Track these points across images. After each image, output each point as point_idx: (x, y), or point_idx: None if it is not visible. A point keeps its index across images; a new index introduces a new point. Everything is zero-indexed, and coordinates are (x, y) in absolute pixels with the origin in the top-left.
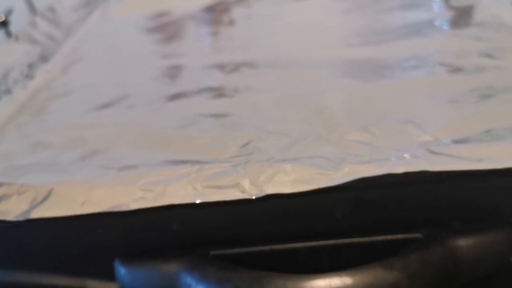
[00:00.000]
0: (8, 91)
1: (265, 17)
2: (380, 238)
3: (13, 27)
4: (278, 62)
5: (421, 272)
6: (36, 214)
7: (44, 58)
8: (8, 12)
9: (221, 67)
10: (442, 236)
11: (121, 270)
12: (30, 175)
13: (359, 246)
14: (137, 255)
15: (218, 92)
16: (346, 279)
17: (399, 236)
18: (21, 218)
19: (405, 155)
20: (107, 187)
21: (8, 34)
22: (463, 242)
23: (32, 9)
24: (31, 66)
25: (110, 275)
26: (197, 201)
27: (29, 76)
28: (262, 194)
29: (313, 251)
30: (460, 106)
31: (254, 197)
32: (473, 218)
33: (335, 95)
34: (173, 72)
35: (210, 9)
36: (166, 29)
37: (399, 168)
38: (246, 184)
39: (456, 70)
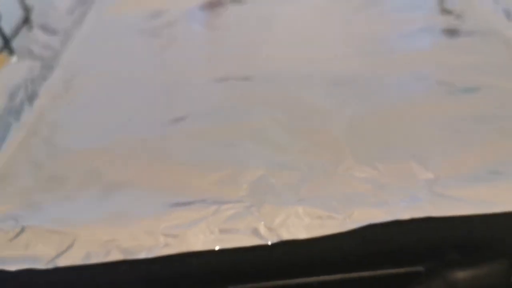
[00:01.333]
0: (16, 114)
1: (260, 18)
2: (384, 272)
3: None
4: (277, 77)
5: None
6: (63, 262)
7: (45, 73)
8: None
9: (223, 81)
10: (442, 269)
11: None
12: (52, 217)
13: (366, 280)
14: None
15: (222, 115)
16: None
17: (402, 270)
18: (50, 266)
19: (409, 199)
20: (130, 232)
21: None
22: (462, 275)
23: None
24: (34, 82)
25: None
26: (216, 248)
27: (33, 95)
28: (277, 240)
29: (324, 285)
30: (460, 136)
31: (270, 243)
32: (471, 250)
33: (337, 119)
34: (174, 89)
35: (204, 7)
36: (162, 34)
37: (405, 214)
38: (261, 228)
39: (452, 89)
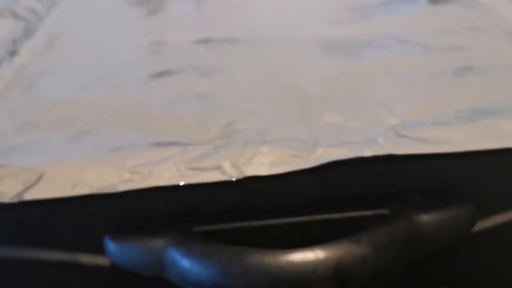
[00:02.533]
0: None
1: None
2: (350, 214)
3: None
4: (258, 40)
5: (387, 246)
6: (29, 196)
7: (28, 34)
8: None
9: (204, 43)
10: (407, 212)
11: (111, 246)
12: (22, 157)
13: (330, 222)
14: (126, 232)
15: (200, 71)
16: (319, 253)
17: (367, 213)
18: (15, 200)
19: (373, 139)
20: (97, 169)
21: None
22: (426, 218)
23: None
24: (15, 42)
25: (101, 250)
26: (181, 183)
27: (14, 52)
28: (241, 176)
29: (289, 227)
30: (432, 87)
31: (234, 179)
32: (436, 193)
33: (310, 74)
34: (157, 49)
35: None
36: (149, 2)
37: (367, 152)
38: (227, 166)
39: (432, 50)
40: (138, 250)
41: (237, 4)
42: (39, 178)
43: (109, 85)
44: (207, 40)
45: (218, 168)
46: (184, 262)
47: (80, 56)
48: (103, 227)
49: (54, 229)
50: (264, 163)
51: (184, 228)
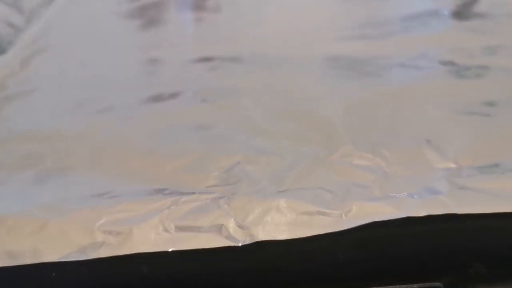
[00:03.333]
0: None
1: (253, 1)
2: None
3: None
4: (266, 59)
5: None
6: None
7: (0, 49)
8: None
9: (204, 62)
10: (465, 285)
11: None
12: None
13: None
14: None
15: (201, 96)
16: None
17: (415, 286)
18: None
19: (424, 191)
20: (60, 227)
21: None
22: None
23: None
24: None
25: None
26: (169, 250)
27: None
28: (251, 241)
29: None
30: (477, 120)
31: (240, 245)
32: (500, 261)
33: (332, 101)
34: (151, 68)
35: None
36: (144, 13)
37: (420, 211)
38: (231, 226)
39: (462, 72)
40: None
41: (241, 16)
42: None
43: (91, 112)
44: (208, 58)
45: (220, 228)
46: None
47: (61, 76)
48: None
49: None
50: (281, 223)
51: None
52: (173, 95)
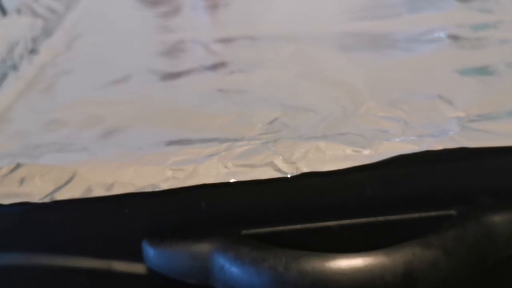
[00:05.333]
0: (15, 67)
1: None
2: (414, 215)
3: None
4: (286, 36)
5: (458, 249)
6: (61, 195)
7: (47, 32)
8: None
9: (228, 41)
10: (476, 212)
11: (150, 251)
12: (50, 155)
13: (393, 224)
14: (166, 236)
15: (231, 68)
16: (386, 257)
17: (433, 214)
18: (46, 200)
19: (440, 132)
20: (135, 167)
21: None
22: (498, 218)
23: None
24: (35, 40)
25: (136, 256)
26: (231, 180)
27: (34, 51)
28: (297, 172)
29: (347, 230)
30: (481, 79)
31: (289, 176)
32: (507, 193)
33: (354, 69)
34: (180, 46)
35: None
36: (164, 2)
37: (437, 145)
38: (280, 162)
39: (467, 43)
40: (181, 255)
41: (253, 4)
42: (72, 177)
43: (134, 83)
44: (230, 38)
45: (270, 164)
46: (234, 269)
47: (100, 56)
48: (140, 231)
49: (87, 234)
50: (322, 159)
51: (232, 232)
52: (205, 69)
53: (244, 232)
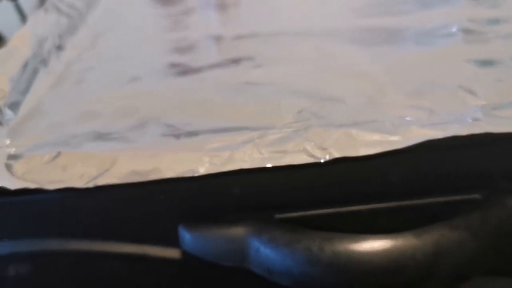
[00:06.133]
0: (44, 62)
1: None
2: (440, 199)
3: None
4: (304, 32)
5: (483, 231)
6: (103, 181)
7: (71, 30)
8: None
9: (247, 37)
10: (500, 196)
11: (186, 236)
12: (89, 144)
13: (420, 208)
14: (202, 220)
15: (254, 62)
16: (416, 238)
17: (458, 197)
18: (90, 185)
19: (464, 119)
20: (172, 154)
21: (18, 7)
22: None
23: None
24: (61, 37)
25: (171, 241)
26: (268, 165)
27: (60, 47)
28: (330, 157)
29: (377, 213)
30: (497, 70)
31: (322, 161)
32: None
33: (375, 62)
34: (200, 43)
35: None
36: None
37: (462, 131)
38: (312, 148)
39: (480, 36)
40: (217, 239)
41: (260, 4)
42: (113, 164)
43: (159, 77)
44: (249, 35)
45: (303, 150)
46: (269, 251)
47: (123, 52)
48: (175, 216)
49: (125, 219)
50: (353, 145)
51: (266, 216)
52: (231, 62)
53: (277, 216)
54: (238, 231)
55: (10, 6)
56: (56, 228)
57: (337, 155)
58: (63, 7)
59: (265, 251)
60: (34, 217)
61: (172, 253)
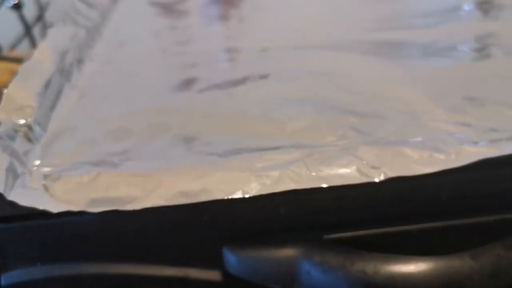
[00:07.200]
0: (67, 76)
1: (274, 8)
2: (494, 218)
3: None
4: (317, 47)
5: None
6: (150, 202)
7: (89, 42)
8: None
9: (266, 51)
10: None
11: (231, 258)
12: (128, 163)
13: (473, 227)
14: (248, 242)
15: (281, 76)
16: (470, 260)
17: (509, 216)
18: (137, 207)
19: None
20: (220, 173)
21: (22, 17)
22: None
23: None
24: (81, 50)
25: (213, 263)
26: (323, 185)
27: (81, 60)
28: (385, 177)
29: (429, 233)
30: None
31: (377, 180)
32: None
33: (406, 77)
34: (229, 56)
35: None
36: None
37: None
38: (365, 167)
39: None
40: (265, 261)
41: (266, 16)
42: (158, 184)
43: (190, 91)
44: (269, 48)
45: (356, 169)
46: (322, 274)
47: (141, 66)
48: (218, 237)
49: (167, 241)
50: (406, 164)
51: (314, 236)
52: (261, 76)
53: (325, 237)
54: (287, 252)
55: (12, 15)
56: (95, 252)
57: (391, 174)
58: (80, 19)
59: (317, 274)
60: (74, 240)
61: (214, 275)
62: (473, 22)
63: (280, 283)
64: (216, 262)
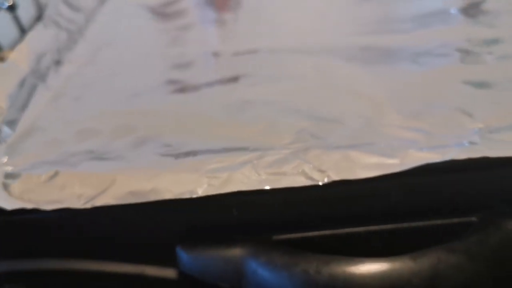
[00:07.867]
0: (43, 78)
1: (263, 11)
2: (437, 222)
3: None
4: (302, 50)
5: (480, 254)
6: (101, 201)
7: (70, 44)
8: None
9: (245, 54)
10: (497, 219)
11: (184, 256)
12: (87, 163)
13: (417, 230)
14: (199, 241)
15: (253, 80)
16: (413, 262)
17: (455, 220)
18: (87, 206)
19: (462, 143)
20: (171, 174)
21: (16, 18)
22: None
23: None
24: (60, 52)
25: (168, 261)
26: (266, 187)
27: (59, 62)
28: (329, 180)
29: (374, 236)
30: (500, 93)
31: (321, 184)
32: None
33: (373, 82)
34: (198, 59)
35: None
36: (177, 15)
37: (461, 154)
38: (311, 170)
39: (477, 57)
40: (214, 260)
41: (258, 21)
42: (111, 184)
43: (157, 94)
44: (247, 51)
45: (302, 173)
46: (266, 273)
47: (121, 68)
48: (172, 237)
49: (122, 239)
50: (351, 168)
51: (263, 237)
52: (230, 79)
53: (275, 237)
54: (235, 252)
55: (7, 17)
56: (53, 248)
57: (335, 178)
58: (62, 22)
59: (263, 273)
60: (31, 237)
61: (170, 273)
62: (457, 26)
63: (229, 281)
64: (171, 260)
